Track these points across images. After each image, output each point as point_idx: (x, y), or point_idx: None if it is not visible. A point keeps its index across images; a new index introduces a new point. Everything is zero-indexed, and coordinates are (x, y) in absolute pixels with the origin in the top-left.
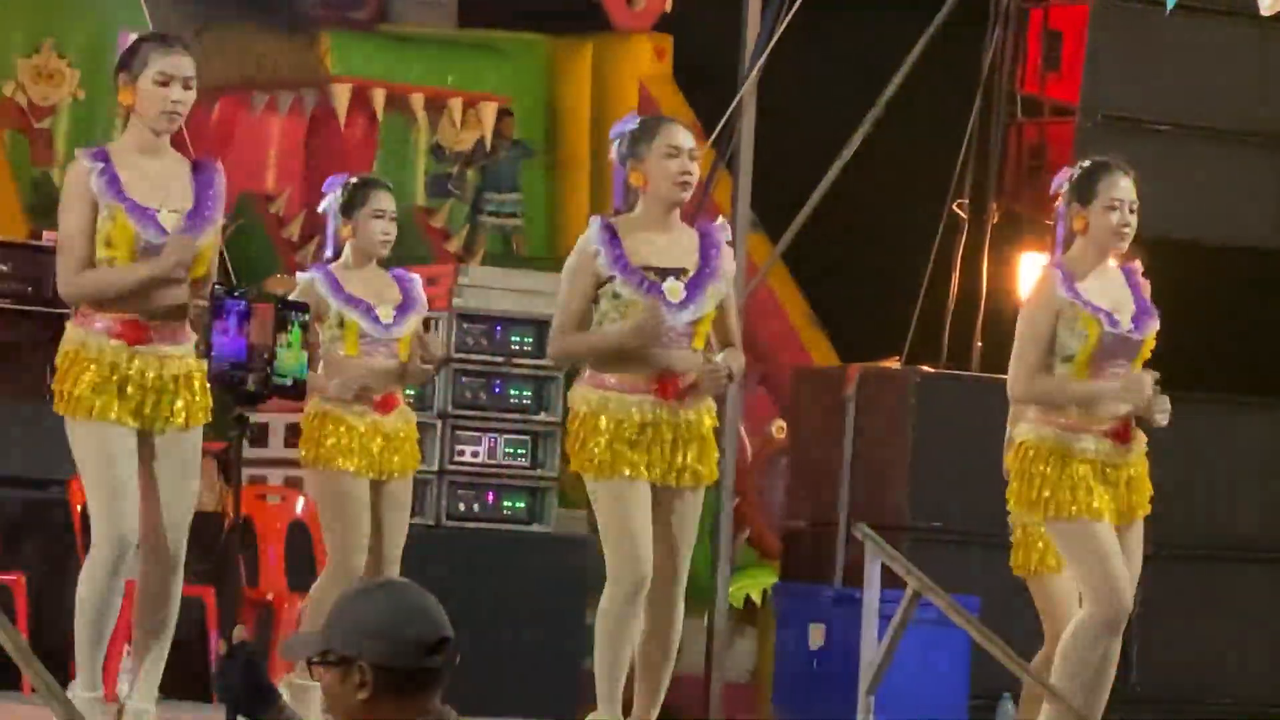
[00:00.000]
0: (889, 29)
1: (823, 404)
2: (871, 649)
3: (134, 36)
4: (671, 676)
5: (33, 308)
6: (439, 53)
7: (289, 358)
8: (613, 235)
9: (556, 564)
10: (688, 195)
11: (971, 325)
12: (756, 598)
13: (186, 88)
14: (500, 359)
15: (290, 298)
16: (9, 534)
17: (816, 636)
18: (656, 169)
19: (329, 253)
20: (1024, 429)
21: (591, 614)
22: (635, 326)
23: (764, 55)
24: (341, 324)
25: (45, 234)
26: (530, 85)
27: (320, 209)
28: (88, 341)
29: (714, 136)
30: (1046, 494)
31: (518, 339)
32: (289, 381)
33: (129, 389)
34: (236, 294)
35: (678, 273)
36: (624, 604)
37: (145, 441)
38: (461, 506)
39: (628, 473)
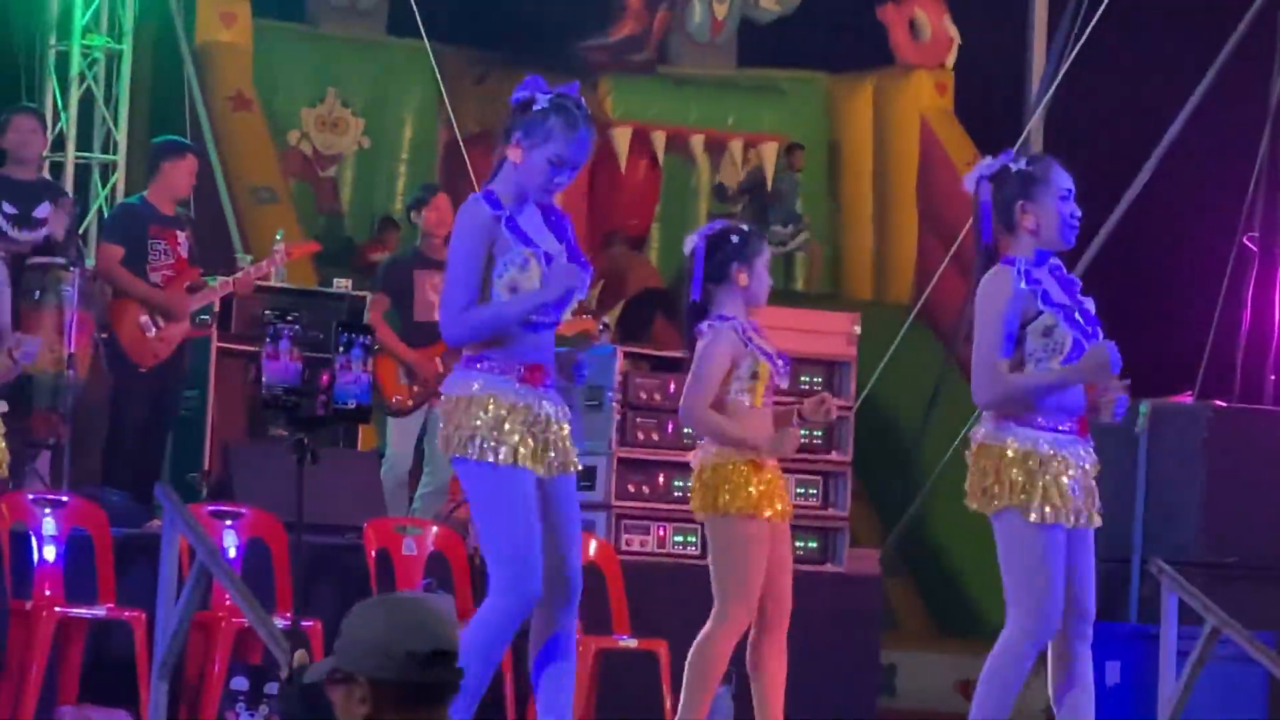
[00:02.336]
0: (1175, 62)
1: (1115, 440)
2: (1169, 686)
3: (542, 96)
4: (964, 716)
5: (324, 355)
6: (718, 94)
7: (350, 381)
8: (1031, 274)
9: (849, 603)
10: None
11: (1263, 359)
12: None
13: (574, 170)
14: (791, 399)
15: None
16: (306, 580)
17: (1113, 673)
18: (1052, 212)
19: (695, 297)
20: None
21: (885, 654)
22: (1093, 365)
23: (1051, 89)
24: (755, 375)
25: (336, 281)
26: (810, 123)
27: (688, 251)
28: (486, 383)
29: None
30: None
31: (806, 378)
32: (352, 405)
33: (535, 431)
34: (289, 318)
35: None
36: (1034, 646)
37: (541, 486)
38: None
39: (1056, 517)
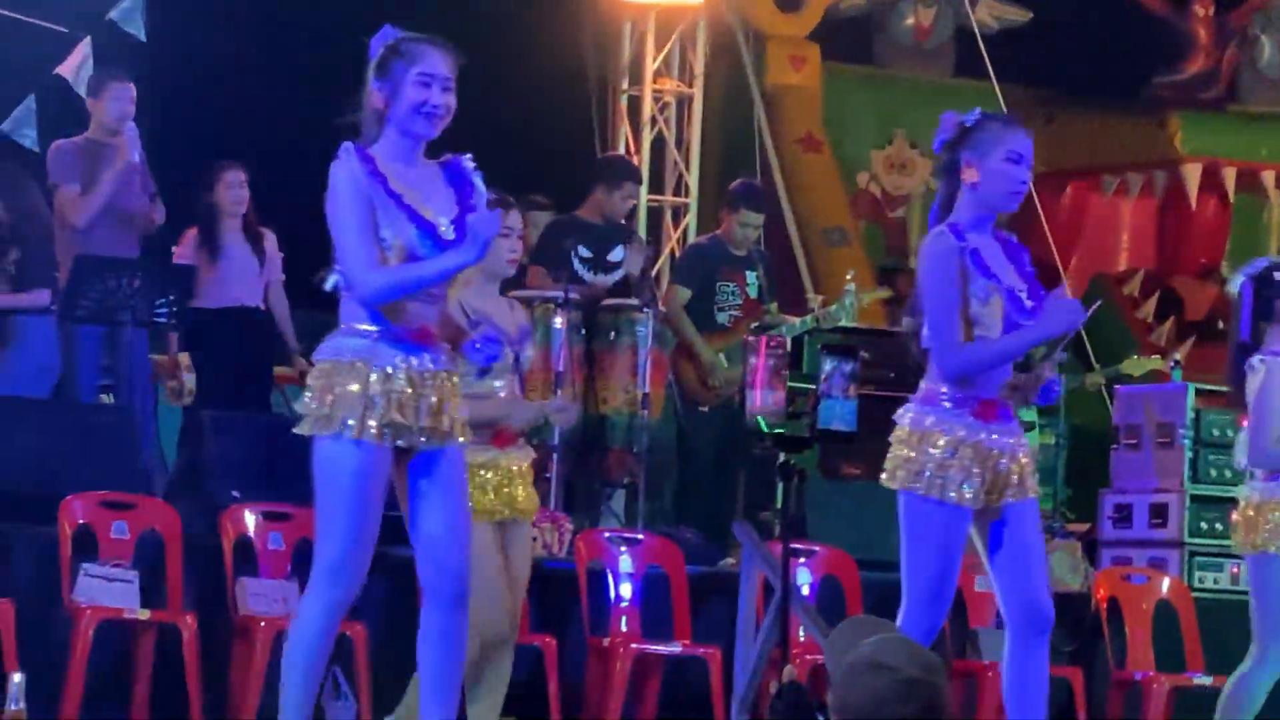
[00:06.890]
0: None
1: None
2: None
3: (969, 117)
4: None
5: (893, 393)
6: None
7: (835, 405)
8: None
9: None
10: None
11: None
12: None
13: (1030, 165)
14: None
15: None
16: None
17: None
18: None
19: (1244, 336)
20: None
21: None
22: None
23: None
24: None
25: (904, 320)
26: None
27: (1234, 291)
28: (939, 418)
29: None
30: None
31: None
32: (836, 428)
33: (986, 466)
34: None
35: None
36: None
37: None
38: None
39: None
